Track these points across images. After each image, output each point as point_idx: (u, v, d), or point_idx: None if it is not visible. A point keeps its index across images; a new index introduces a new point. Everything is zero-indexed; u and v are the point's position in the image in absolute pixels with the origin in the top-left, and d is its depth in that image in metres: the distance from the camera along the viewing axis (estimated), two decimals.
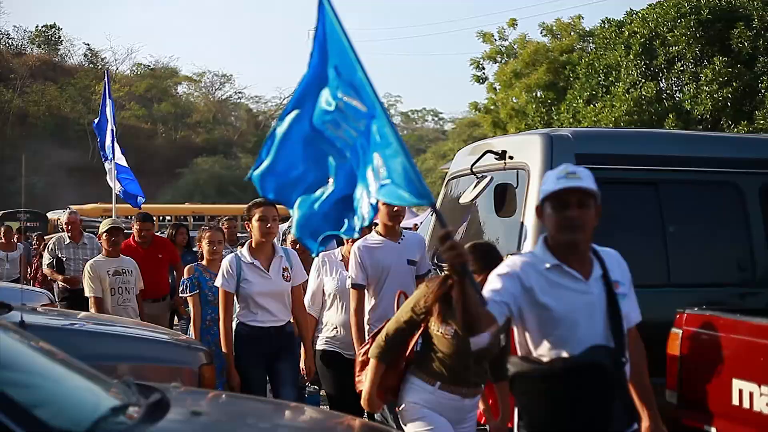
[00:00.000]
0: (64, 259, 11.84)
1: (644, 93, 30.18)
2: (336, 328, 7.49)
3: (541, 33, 46.73)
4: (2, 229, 17.04)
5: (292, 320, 7.45)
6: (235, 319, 7.38)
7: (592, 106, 33.11)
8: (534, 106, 40.65)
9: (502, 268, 4.17)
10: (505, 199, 7.20)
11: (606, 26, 35.29)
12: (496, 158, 7.38)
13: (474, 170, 7.64)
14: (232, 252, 7.88)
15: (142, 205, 15.58)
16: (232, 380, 7.21)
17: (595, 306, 4.09)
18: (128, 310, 9.33)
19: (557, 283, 4.09)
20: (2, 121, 75.39)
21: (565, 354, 4.03)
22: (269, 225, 7.28)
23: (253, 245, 7.34)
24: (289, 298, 7.40)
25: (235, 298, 7.34)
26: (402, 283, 6.80)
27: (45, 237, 20.89)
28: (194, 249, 11.79)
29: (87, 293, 9.37)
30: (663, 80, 31.36)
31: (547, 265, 4.11)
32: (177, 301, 10.73)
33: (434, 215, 4.17)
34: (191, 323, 8.37)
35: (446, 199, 8.60)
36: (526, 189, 6.87)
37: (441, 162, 60.86)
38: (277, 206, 6.94)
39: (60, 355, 4.38)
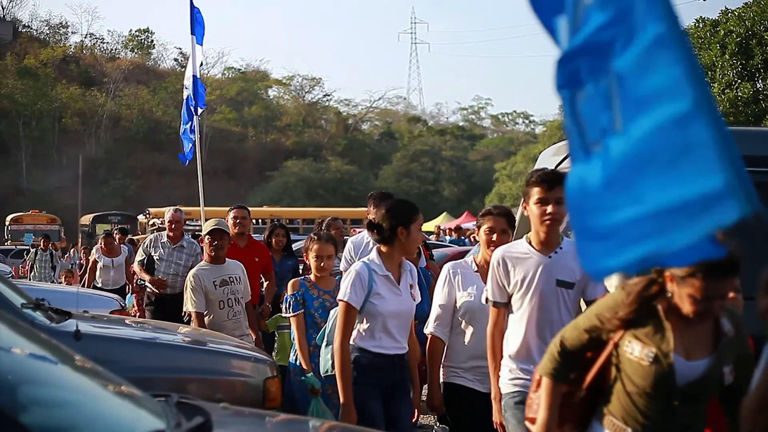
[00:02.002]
0: (156, 258, 10.77)
1: (740, 94, 29.51)
2: (469, 356, 6.07)
3: None
4: (101, 239, 16.77)
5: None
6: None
7: None
8: None
9: None
10: None
11: (701, 25, 34.49)
12: None
13: (559, 171, 7.19)
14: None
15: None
16: (349, 417, 5.73)
17: None
18: (242, 326, 8.42)
19: None
20: (95, 124, 76.90)
21: None
22: (420, 234, 6.15)
23: (384, 250, 6.00)
24: None
25: None
26: (543, 308, 5.33)
27: (137, 240, 20.67)
28: (294, 251, 11.13)
29: (188, 307, 8.41)
30: (760, 81, 30.60)
31: None
32: (264, 310, 9.65)
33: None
34: (296, 347, 7.18)
35: None
36: None
37: (531, 165, 60.26)
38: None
39: (102, 370, 4.03)
